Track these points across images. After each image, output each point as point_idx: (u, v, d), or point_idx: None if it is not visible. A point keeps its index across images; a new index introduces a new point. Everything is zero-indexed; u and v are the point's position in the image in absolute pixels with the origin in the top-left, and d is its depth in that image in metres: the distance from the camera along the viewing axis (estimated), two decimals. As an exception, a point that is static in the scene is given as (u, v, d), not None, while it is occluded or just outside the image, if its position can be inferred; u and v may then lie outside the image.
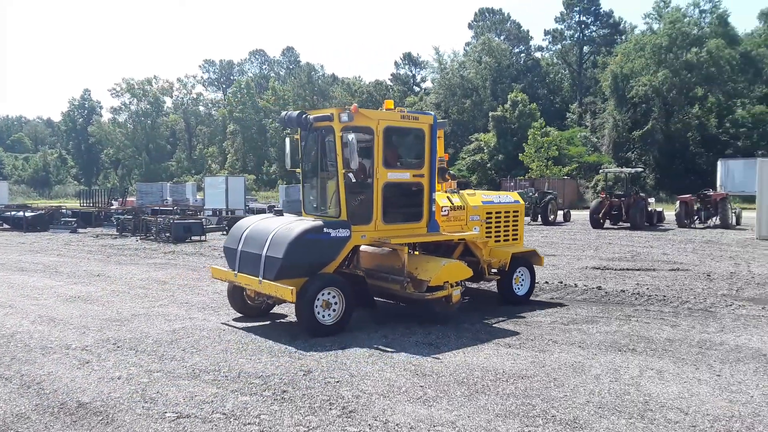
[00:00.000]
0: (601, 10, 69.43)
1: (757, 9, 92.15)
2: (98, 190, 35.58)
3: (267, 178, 76.05)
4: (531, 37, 77.43)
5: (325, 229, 7.30)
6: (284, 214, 10.06)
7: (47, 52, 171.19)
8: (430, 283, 7.55)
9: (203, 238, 20.54)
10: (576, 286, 10.77)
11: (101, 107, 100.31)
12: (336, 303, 7.32)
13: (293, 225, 7.40)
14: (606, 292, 10.12)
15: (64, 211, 28.48)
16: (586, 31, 70.25)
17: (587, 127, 59.82)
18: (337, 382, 5.63)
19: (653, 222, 24.62)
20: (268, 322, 8.06)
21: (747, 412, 4.89)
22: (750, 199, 29.76)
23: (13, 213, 26.75)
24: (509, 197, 10.16)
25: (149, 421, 4.75)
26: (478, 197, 9.58)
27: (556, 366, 6.08)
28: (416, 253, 8.42)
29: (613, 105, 53.85)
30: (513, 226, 9.87)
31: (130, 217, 23.39)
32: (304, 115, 7.73)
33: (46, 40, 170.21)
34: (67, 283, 11.51)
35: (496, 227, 9.58)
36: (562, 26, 71.46)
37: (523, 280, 9.37)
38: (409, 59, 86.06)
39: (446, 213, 8.91)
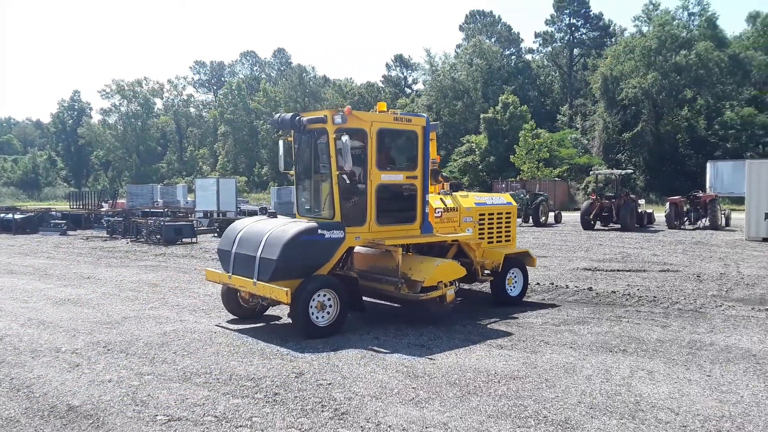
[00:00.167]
0: (591, 13, 69.99)
1: (745, 12, 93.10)
2: (88, 192, 35.42)
3: (258, 180, 75.91)
4: (521, 40, 77.95)
5: (319, 231, 7.29)
6: (278, 216, 10.04)
7: (36, 53, 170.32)
8: (424, 284, 7.55)
9: (194, 240, 20.46)
10: (567, 287, 10.82)
11: (91, 109, 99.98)
12: (331, 305, 7.31)
13: (288, 226, 7.39)
14: (597, 293, 10.17)
15: (53, 213, 28.37)
16: (576, 34, 70.69)
17: (578, 129, 60.20)
18: (329, 384, 5.62)
19: (643, 223, 24.79)
20: (260, 325, 8.03)
21: (737, 412, 4.93)
22: (739, 201, 30.09)
23: (2, 215, 26.51)
24: (502, 199, 10.20)
25: (140, 425, 4.71)
26: (471, 199, 9.61)
27: (547, 367, 6.10)
28: (410, 254, 8.43)
29: (603, 107, 54.21)
30: (506, 227, 9.90)
31: (121, 219, 23.29)
32: (297, 117, 7.73)
33: (35, 40, 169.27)
34: (57, 286, 11.42)
35: (489, 229, 9.61)
36: (553, 29, 71.93)
37: (516, 281, 9.41)
38: (401, 61, 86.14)
39: (440, 214, 8.92)
